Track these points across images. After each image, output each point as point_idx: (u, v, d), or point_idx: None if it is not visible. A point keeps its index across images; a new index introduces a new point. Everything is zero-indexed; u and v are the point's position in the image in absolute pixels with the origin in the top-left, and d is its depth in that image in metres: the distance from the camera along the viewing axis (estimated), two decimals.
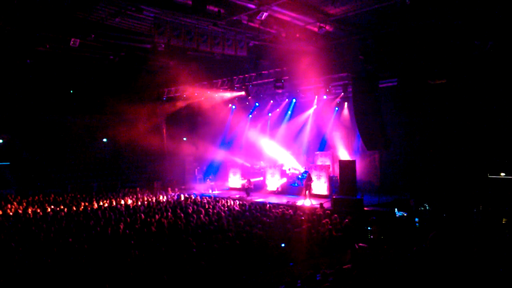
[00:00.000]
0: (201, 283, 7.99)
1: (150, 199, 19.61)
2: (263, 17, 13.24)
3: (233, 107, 25.17)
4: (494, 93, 14.94)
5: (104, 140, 27.05)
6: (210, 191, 22.92)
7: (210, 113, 24.96)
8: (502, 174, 15.36)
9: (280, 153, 22.92)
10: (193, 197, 19.22)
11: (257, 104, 24.41)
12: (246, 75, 21.17)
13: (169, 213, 15.00)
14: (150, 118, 25.52)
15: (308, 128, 22.76)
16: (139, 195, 20.86)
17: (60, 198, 19.26)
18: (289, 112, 23.58)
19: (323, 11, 13.74)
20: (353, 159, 18.59)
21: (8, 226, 13.13)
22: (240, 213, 14.64)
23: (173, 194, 21.63)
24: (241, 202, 17.47)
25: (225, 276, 8.25)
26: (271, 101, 23.85)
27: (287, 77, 19.19)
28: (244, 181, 21.99)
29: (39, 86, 22.56)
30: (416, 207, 14.29)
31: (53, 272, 8.59)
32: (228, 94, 23.26)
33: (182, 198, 19.32)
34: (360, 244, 10.57)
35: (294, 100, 22.83)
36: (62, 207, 17.02)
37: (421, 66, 15.46)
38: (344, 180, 17.25)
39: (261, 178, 22.82)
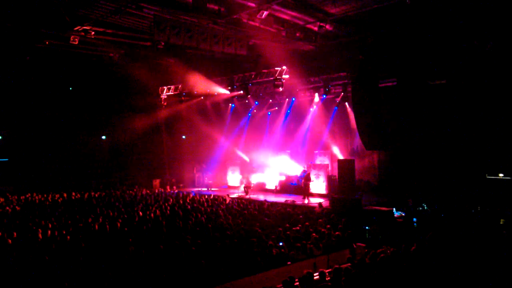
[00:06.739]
0: (199, 281, 7.99)
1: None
2: (263, 15, 13.23)
3: (232, 105, 25.17)
4: (493, 94, 14.94)
5: (103, 137, 26.99)
6: (209, 189, 22.92)
7: (209, 112, 24.97)
8: (501, 175, 15.38)
9: (279, 152, 22.90)
10: (191, 195, 19.20)
11: (256, 102, 24.41)
12: (245, 74, 21.14)
13: (168, 211, 15.03)
14: (149, 115, 25.48)
15: (307, 127, 22.75)
16: None
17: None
18: (289, 111, 23.57)
19: (323, 11, 13.75)
20: (352, 158, 18.61)
21: (6, 223, 13.10)
22: (238, 212, 14.65)
23: (171, 192, 21.62)
24: (239, 201, 17.47)
25: (223, 274, 8.24)
26: (270, 100, 23.83)
27: (286, 76, 19.18)
28: (243, 180, 22.00)
29: (38, 83, 22.52)
30: (414, 207, 14.31)
31: (51, 269, 8.58)
32: (228, 93, 23.28)
33: (181, 196, 19.31)
34: (358, 244, 10.59)
35: (293, 99, 22.83)
36: None
37: (420, 66, 15.48)
38: (343, 180, 17.27)
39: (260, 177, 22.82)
